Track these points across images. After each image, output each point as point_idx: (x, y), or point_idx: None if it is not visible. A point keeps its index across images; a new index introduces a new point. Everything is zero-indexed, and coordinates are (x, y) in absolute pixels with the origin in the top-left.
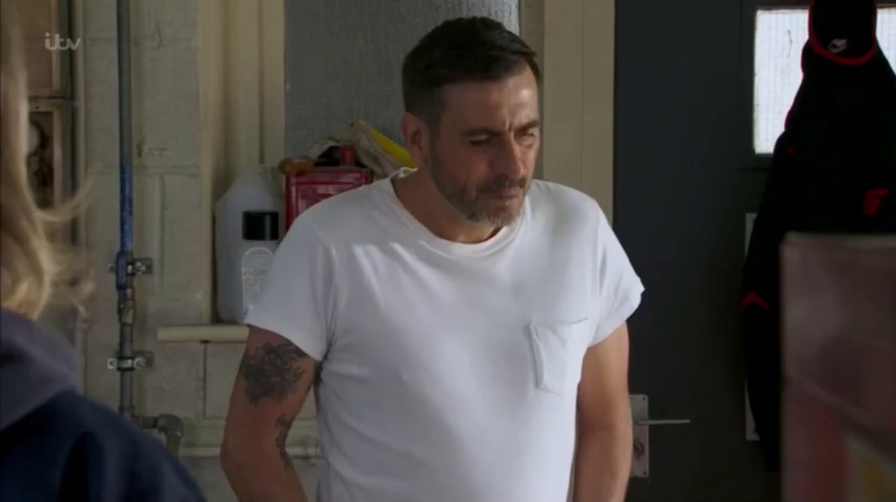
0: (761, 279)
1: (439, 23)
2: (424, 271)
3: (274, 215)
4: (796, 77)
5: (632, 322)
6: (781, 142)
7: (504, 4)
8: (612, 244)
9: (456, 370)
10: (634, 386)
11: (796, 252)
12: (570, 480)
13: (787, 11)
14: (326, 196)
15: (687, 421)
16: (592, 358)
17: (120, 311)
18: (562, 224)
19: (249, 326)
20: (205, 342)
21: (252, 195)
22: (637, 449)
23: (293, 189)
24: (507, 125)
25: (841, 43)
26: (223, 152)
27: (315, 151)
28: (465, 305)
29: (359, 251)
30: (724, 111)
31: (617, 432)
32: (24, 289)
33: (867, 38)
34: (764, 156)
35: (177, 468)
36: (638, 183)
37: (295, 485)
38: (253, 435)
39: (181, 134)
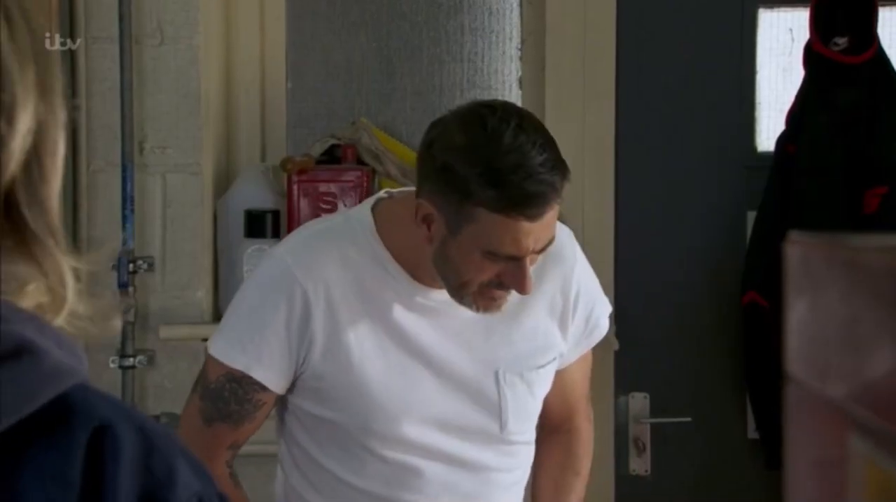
0: (761, 278)
1: (440, 21)
2: (402, 317)
3: (275, 213)
4: (798, 75)
5: (632, 321)
6: (782, 140)
7: (505, 3)
8: (586, 278)
9: (425, 417)
10: (635, 385)
11: (797, 250)
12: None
13: (788, 9)
14: (328, 194)
15: (688, 419)
16: (557, 378)
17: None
18: (540, 265)
19: (212, 357)
20: (206, 340)
21: (253, 193)
22: (638, 448)
23: (295, 187)
24: (530, 251)
25: (842, 41)
26: (224, 150)
27: (317, 149)
28: (439, 350)
29: (337, 297)
30: (726, 109)
31: (580, 433)
32: (39, 292)
33: (868, 36)
34: (766, 155)
35: (191, 461)
36: (639, 182)
37: None
38: (204, 459)
39: (182, 132)
